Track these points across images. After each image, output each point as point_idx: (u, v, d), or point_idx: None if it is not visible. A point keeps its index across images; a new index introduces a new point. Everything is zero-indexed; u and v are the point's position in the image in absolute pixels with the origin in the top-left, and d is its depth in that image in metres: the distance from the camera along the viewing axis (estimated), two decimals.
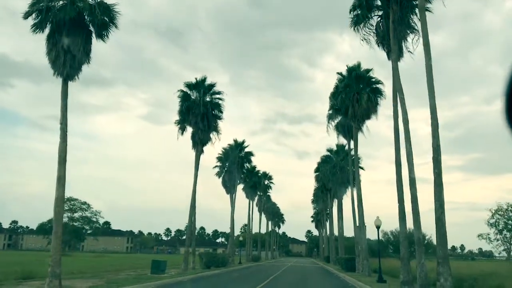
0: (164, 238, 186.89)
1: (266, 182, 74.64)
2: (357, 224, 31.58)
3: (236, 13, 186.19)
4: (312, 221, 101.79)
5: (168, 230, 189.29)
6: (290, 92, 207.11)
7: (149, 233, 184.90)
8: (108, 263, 40.26)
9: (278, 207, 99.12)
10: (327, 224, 76.72)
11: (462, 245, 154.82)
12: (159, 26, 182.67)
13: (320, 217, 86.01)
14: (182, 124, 31.81)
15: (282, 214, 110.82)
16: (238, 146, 45.53)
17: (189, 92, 31.15)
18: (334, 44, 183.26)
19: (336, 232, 58.72)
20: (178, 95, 30.87)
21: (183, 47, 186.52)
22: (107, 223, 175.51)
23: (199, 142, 30.68)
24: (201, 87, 30.92)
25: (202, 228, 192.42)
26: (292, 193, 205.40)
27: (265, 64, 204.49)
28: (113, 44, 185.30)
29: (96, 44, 16.85)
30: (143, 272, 25.61)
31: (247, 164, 46.38)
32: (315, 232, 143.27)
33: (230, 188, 45.95)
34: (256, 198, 75.70)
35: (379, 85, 29.12)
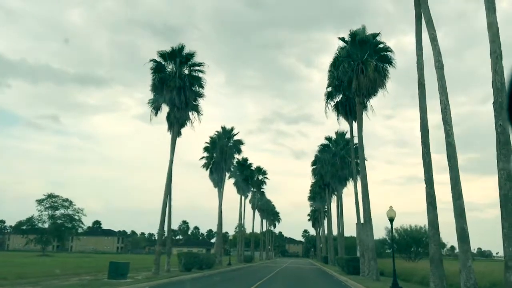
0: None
1: (260, 177, 69.94)
2: (361, 219, 27.01)
3: (232, 12, 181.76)
4: (309, 219, 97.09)
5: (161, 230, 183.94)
6: (287, 92, 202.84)
7: (142, 233, 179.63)
8: (79, 264, 35.49)
9: (273, 205, 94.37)
10: (325, 222, 72.16)
11: None
12: (155, 25, 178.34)
13: (318, 215, 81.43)
14: (156, 103, 27.12)
15: (278, 213, 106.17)
16: (226, 133, 40.74)
17: (163, 63, 26.40)
18: (331, 44, 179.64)
19: (335, 231, 54.19)
20: (150, 67, 26.11)
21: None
22: (97, 223, 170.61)
23: (175, 122, 25.96)
24: (178, 56, 26.15)
25: (196, 228, 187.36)
26: (289, 193, 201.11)
27: (261, 64, 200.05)
28: (109, 43, 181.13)
29: None
30: (104, 277, 20.86)
31: (237, 155, 41.68)
32: (312, 232, 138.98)
33: (217, 181, 41.27)
34: (250, 194, 71.14)
35: (388, 53, 24.51)
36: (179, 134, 26.86)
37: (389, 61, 24.38)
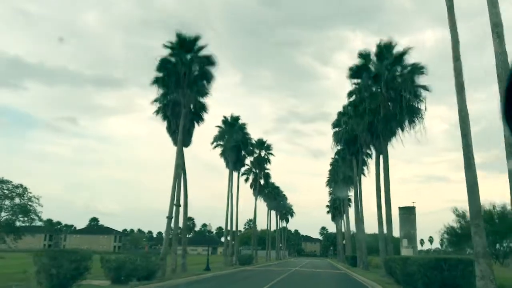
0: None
1: (262, 153, 52.86)
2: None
3: (247, 12, 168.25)
4: (328, 211, 78.55)
5: None
6: (303, 90, 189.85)
7: (149, 231, 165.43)
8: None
9: (284, 194, 76.52)
10: (350, 210, 54.43)
11: None
12: (170, 25, 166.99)
13: (339, 203, 63.07)
14: None
15: (291, 206, 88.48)
16: (185, 46, 23.37)
17: None
18: (347, 41, 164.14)
19: (368, 223, 36.70)
20: None
21: None
22: (94, 220, 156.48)
23: None
24: None
25: (204, 225, 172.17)
26: (307, 192, 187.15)
27: (277, 63, 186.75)
28: (124, 44, 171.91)
29: None
30: None
31: (206, 85, 24.19)
32: (331, 229, 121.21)
33: (176, 133, 24.44)
34: (251, 178, 54.18)
35: None
36: None
37: None
